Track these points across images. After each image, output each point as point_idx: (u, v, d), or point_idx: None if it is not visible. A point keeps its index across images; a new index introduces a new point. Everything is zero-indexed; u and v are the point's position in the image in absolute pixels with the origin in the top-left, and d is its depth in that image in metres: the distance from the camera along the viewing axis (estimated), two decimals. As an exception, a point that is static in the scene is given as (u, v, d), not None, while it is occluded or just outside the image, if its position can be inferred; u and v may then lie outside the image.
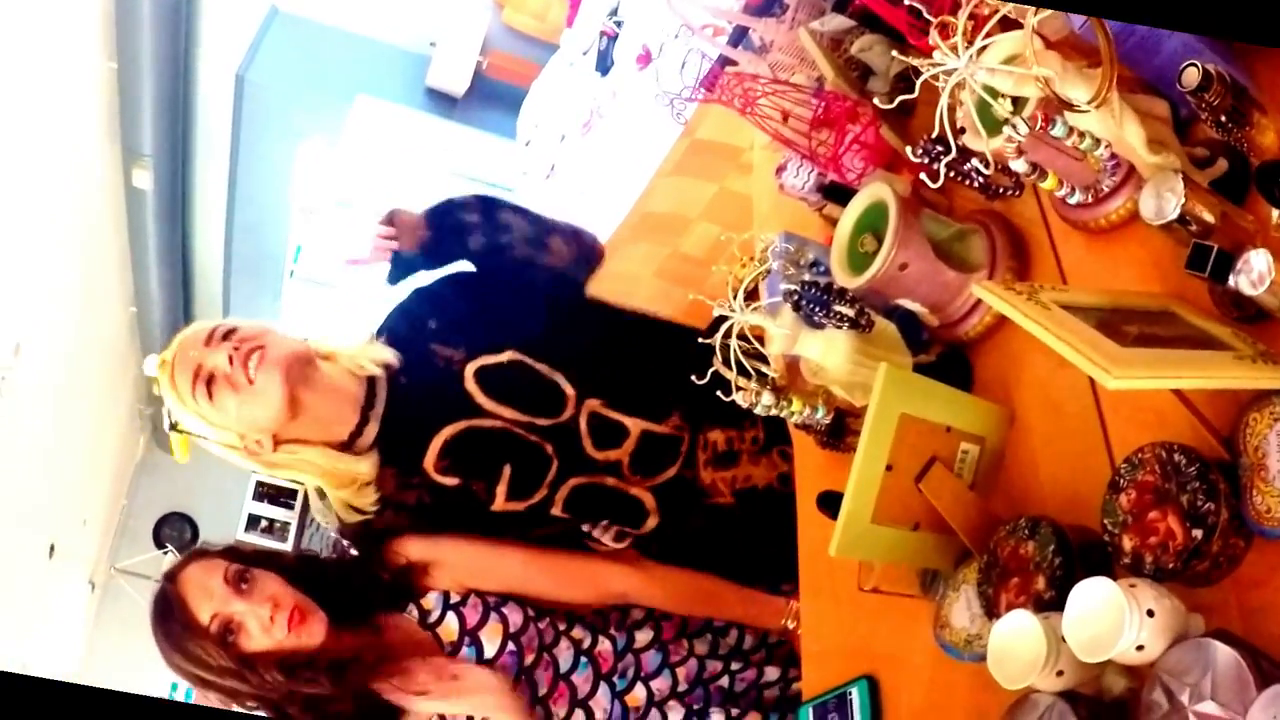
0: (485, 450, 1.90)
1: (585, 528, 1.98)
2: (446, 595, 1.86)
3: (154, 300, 7.60)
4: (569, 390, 1.93)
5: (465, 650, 1.81)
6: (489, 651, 1.81)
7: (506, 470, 1.90)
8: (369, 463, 1.90)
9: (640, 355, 2.02)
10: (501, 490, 1.90)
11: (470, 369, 1.92)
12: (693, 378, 1.49)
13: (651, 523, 1.97)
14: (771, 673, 1.97)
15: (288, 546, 9.10)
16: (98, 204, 6.63)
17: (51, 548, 7.75)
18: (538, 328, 1.97)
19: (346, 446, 1.91)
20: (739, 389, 1.47)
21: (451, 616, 1.84)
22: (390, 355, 1.94)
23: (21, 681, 1.20)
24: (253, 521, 9.57)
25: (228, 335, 1.84)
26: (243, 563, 1.80)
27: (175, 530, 9.99)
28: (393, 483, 1.91)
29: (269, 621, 1.74)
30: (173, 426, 1.90)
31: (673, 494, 1.97)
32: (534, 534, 1.97)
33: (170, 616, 1.77)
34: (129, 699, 1.23)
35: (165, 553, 9.51)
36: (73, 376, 7.21)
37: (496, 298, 2.02)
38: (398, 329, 2.00)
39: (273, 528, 9.61)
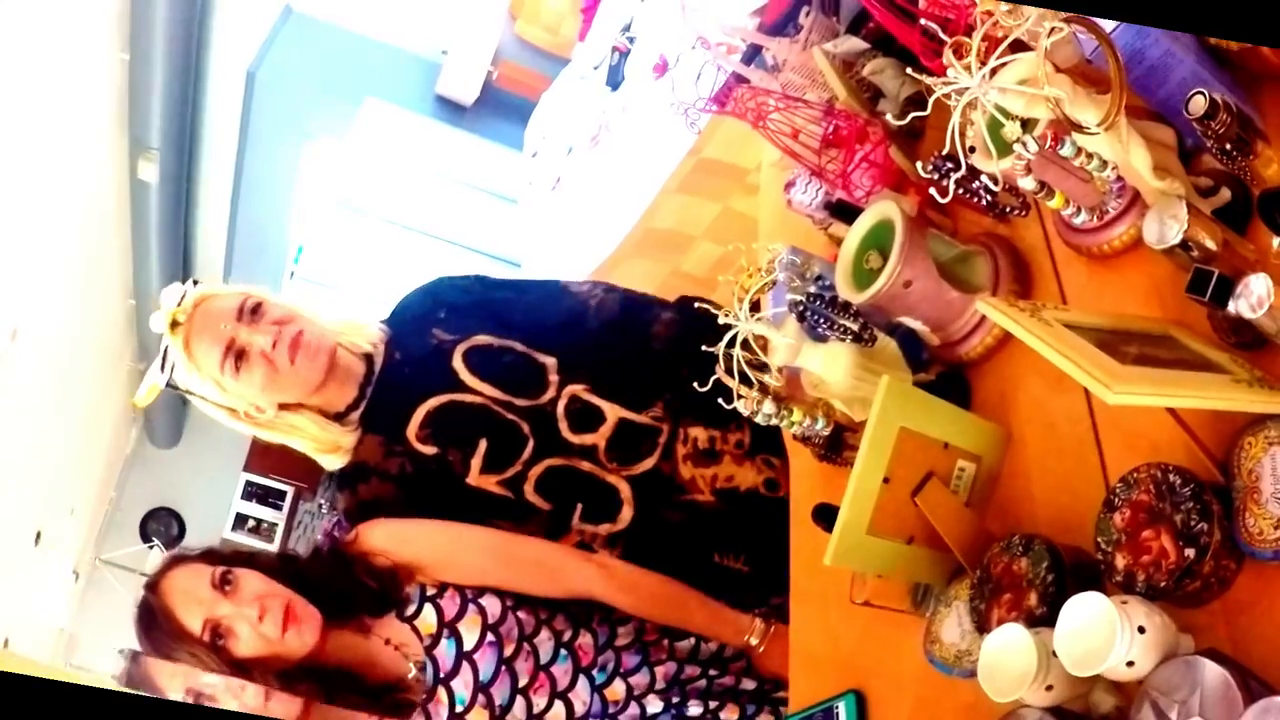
0: (464, 423, 1.98)
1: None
2: (423, 588, 1.86)
3: (153, 294, 7.53)
4: (554, 375, 2.01)
5: (445, 643, 1.81)
6: (468, 643, 1.82)
7: (483, 444, 1.97)
8: (353, 436, 2.01)
9: (632, 344, 2.08)
10: (476, 463, 1.97)
11: (461, 349, 2.03)
12: (695, 385, 1.50)
13: (627, 514, 1.99)
14: (748, 684, 1.96)
15: (274, 547, 9.07)
16: (102, 194, 6.62)
17: (38, 535, 7.72)
18: (540, 319, 2.08)
19: (339, 416, 2.01)
20: (740, 397, 1.48)
21: (429, 609, 1.84)
22: (380, 335, 2.06)
23: (20, 681, 1.21)
24: (240, 521, 9.54)
25: (256, 311, 1.93)
26: (224, 564, 1.80)
27: (162, 525, 9.96)
28: (379, 451, 2.00)
29: (258, 621, 1.73)
30: (169, 384, 1.96)
31: (649, 485, 1.99)
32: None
33: (156, 626, 1.76)
34: (128, 699, 1.24)
35: (151, 547, 9.49)
36: (68, 365, 7.20)
37: (507, 295, 2.15)
38: (410, 308, 2.13)
39: (260, 528, 9.58)
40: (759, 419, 1.52)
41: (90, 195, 6.52)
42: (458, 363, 2.01)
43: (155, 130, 6.21)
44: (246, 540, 9.10)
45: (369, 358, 2.04)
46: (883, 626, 1.52)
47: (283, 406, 1.98)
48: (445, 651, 1.81)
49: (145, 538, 9.75)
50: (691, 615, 1.97)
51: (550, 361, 2.02)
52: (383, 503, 1.98)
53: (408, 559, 1.89)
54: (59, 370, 6.98)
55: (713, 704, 1.91)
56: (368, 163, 6.68)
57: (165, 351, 1.96)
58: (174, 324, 1.92)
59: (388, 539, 1.90)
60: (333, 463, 2.03)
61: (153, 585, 1.79)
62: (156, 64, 5.81)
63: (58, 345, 6.80)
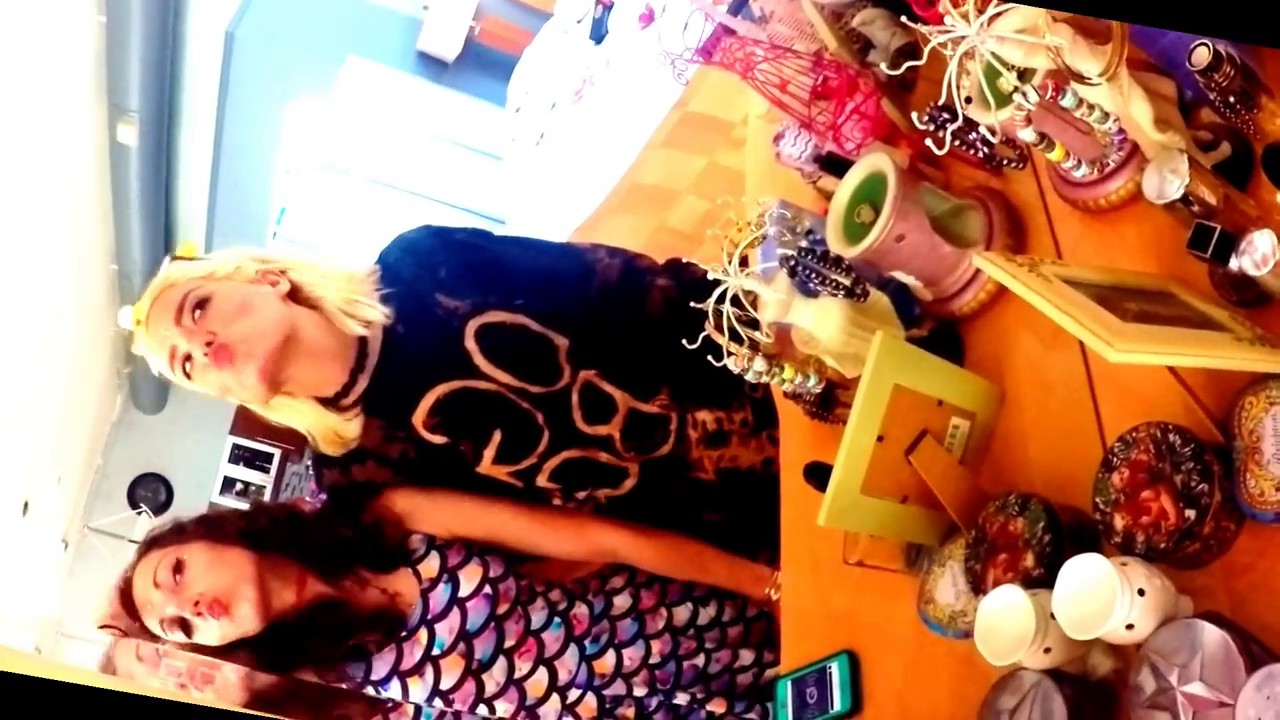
0: (477, 412, 1.87)
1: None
2: (432, 538, 1.86)
3: (135, 257, 7.53)
4: (565, 360, 1.89)
5: (442, 587, 1.81)
6: (464, 590, 1.82)
7: (496, 435, 1.87)
8: (356, 423, 1.88)
9: (632, 322, 1.97)
10: (489, 453, 1.88)
11: (472, 326, 1.88)
12: (683, 342, 1.47)
13: (629, 484, 1.95)
14: (746, 656, 1.95)
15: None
16: (81, 158, 6.55)
17: (25, 505, 7.70)
18: (547, 288, 1.94)
19: (331, 402, 1.87)
20: (730, 354, 1.46)
21: (434, 555, 1.84)
22: (379, 314, 1.87)
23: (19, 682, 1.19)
24: (228, 484, 9.52)
25: (200, 306, 1.78)
26: (185, 538, 1.80)
27: (150, 491, 9.93)
28: (378, 434, 1.88)
29: (199, 616, 1.74)
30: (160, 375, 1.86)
31: (659, 467, 1.96)
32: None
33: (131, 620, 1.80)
34: (127, 699, 1.23)
35: (139, 513, 9.46)
36: (51, 332, 7.15)
37: (510, 254, 2.00)
38: (402, 268, 1.94)
39: (248, 490, 9.56)
40: (749, 376, 1.49)
41: (69, 160, 6.46)
42: (470, 344, 1.86)
43: (134, 92, 6.13)
44: (235, 504, 9.08)
45: (361, 338, 1.87)
46: (875, 587, 1.51)
47: (275, 395, 1.84)
48: (440, 595, 1.81)
49: (133, 504, 9.72)
50: (714, 569, 1.97)
51: (563, 343, 1.89)
52: (377, 486, 1.90)
53: (426, 507, 1.89)
54: (43, 337, 6.94)
55: (700, 695, 1.89)
56: (350, 121, 6.61)
57: None
58: (138, 321, 1.82)
59: (407, 497, 1.89)
60: (334, 451, 1.90)
61: (125, 584, 1.80)
62: (134, 25, 5.74)
63: (40, 311, 6.75)
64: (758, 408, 1.98)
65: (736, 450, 1.98)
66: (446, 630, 1.80)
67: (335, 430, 1.88)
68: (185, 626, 1.75)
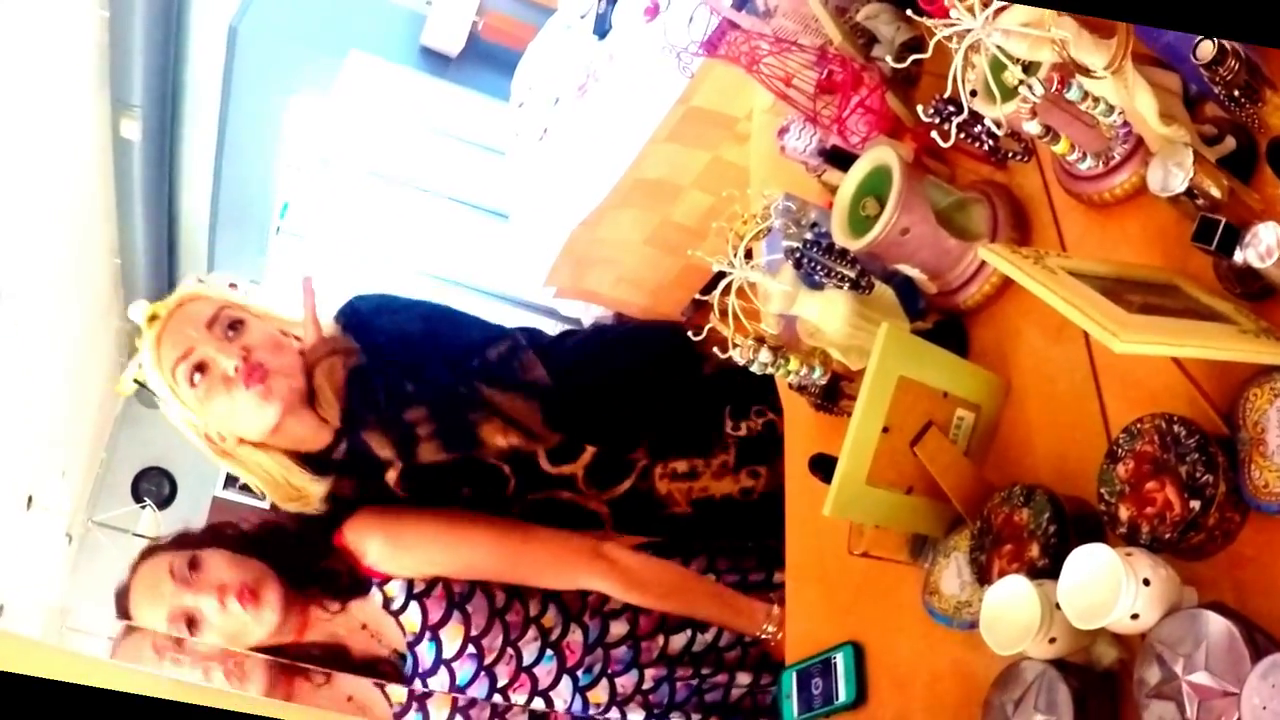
0: (446, 474, 1.90)
1: None
2: (410, 584, 1.84)
3: (138, 252, 7.53)
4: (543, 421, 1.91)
5: (426, 644, 1.82)
6: (448, 651, 1.82)
7: (465, 492, 1.91)
8: (322, 487, 1.88)
9: (617, 389, 1.99)
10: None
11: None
12: (690, 334, 1.48)
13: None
14: (743, 678, 1.95)
15: (265, 504, 9.05)
16: (84, 153, 6.55)
17: (30, 499, 7.70)
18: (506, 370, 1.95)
19: (312, 461, 1.89)
20: (736, 345, 1.46)
21: (415, 607, 1.83)
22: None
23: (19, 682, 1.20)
24: (231, 479, 9.49)
25: (235, 327, 1.81)
26: (195, 546, 1.81)
27: (154, 485, 9.91)
28: (350, 489, 1.90)
29: (221, 606, 1.75)
30: (137, 381, 1.85)
31: (629, 506, 1.96)
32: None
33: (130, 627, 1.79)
34: (128, 700, 1.23)
35: (143, 507, 9.45)
36: (55, 326, 7.16)
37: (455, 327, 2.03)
38: (372, 337, 1.95)
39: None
40: (755, 368, 1.50)
41: (72, 155, 6.46)
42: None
43: (137, 87, 6.13)
44: (237, 498, 9.08)
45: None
46: (880, 578, 1.52)
47: (248, 441, 1.86)
48: (425, 652, 1.82)
49: (137, 498, 9.71)
50: (706, 608, 1.95)
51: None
52: (347, 499, 1.91)
53: (404, 562, 1.87)
54: (46, 331, 6.94)
55: (695, 717, 1.90)
56: (353, 116, 6.61)
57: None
58: (153, 318, 1.82)
59: (383, 542, 1.86)
60: (289, 507, 1.91)
61: (123, 591, 1.80)
62: (137, 20, 5.74)
63: (44, 306, 6.76)
64: (741, 448, 2.00)
65: (707, 483, 1.99)
66: (438, 684, 1.81)
67: (298, 488, 1.88)
68: (191, 624, 1.75)
